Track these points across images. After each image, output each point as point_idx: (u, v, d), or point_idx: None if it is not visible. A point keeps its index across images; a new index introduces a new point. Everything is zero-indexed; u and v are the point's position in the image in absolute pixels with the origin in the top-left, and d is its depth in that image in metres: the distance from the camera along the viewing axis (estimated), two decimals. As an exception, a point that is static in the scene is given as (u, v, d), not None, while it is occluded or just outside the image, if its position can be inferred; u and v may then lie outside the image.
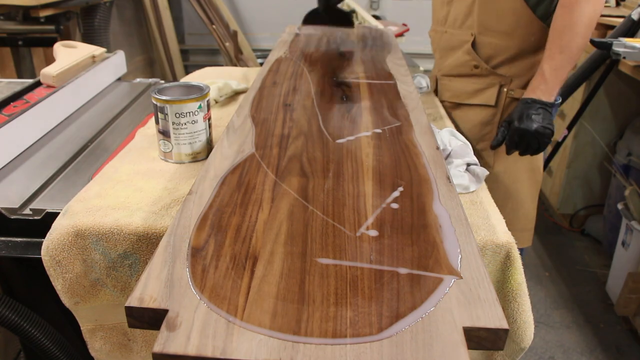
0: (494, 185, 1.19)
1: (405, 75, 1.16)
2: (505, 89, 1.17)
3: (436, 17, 1.28)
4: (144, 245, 0.69)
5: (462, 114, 1.25)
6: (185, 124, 0.82)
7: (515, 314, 0.71)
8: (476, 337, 0.45)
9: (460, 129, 1.20)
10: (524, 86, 1.15)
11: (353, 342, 0.43)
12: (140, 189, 0.77)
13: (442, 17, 1.24)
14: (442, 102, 1.29)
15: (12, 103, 1.08)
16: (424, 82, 1.31)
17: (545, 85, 1.06)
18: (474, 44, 1.17)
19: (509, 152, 1.11)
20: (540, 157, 1.23)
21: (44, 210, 0.76)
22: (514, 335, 0.72)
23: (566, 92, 1.98)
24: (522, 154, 1.10)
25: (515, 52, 1.14)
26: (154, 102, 0.82)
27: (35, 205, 0.78)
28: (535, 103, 1.06)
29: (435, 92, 1.33)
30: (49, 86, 1.15)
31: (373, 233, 0.57)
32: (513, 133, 1.07)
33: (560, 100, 1.17)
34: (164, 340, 0.42)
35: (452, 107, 1.28)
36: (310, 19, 1.56)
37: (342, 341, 0.43)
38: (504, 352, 0.76)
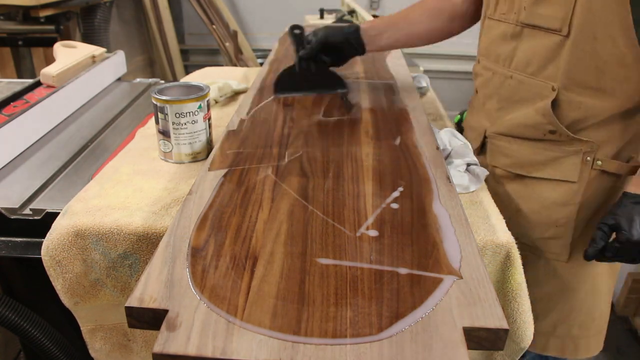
0: (570, 289, 0.92)
1: (405, 75, 1.16)
2: (590, 159, 0.83)
3: (492, 52, 0.91)
4: (144, 245, 0.69)
5: (528, 191, 0.90)
6: (185, 124, 0.82)
7: (515, 313, 0.71)
8: (476, 337, 0.45)
9: (520, 210, 0.91)
10: (616, 155, 0.84)
11: (353, 342, 0.43)
12: (140, 189, 0.77)
13: (504, 54, 0.88)
14: (493, 168, 0.94)
15: (12, 103, 1.07)
16: (424, 82, 1.30)
17: None
18: (554, 103, 0.82)
19: (601, 260, 0.80)
20: None
21: (44, 210, 0.76)
22: (514, 335, 0.72)
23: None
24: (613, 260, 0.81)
25: (612, 114, 0.81)
26: (154, 102, 0.82)
27: (35, 205, 0.78)
28: None
29: (480, 149, 0.97)
30: (49, 86, 1.15)
31: (373, 233, 0.57)
32: (626, 247, 0.76)
33: None
34: (164, 341, 0.42)
35: (510, 179, 0.92)
36: (287, 81, 1.03)
37: (342, 341, 0.43)
38: (504, 352, 0.76)
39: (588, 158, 0.84)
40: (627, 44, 0.74)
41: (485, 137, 0.95)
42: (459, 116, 1.43)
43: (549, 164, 0.87)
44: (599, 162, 0.84)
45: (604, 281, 0.94)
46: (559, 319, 0.93)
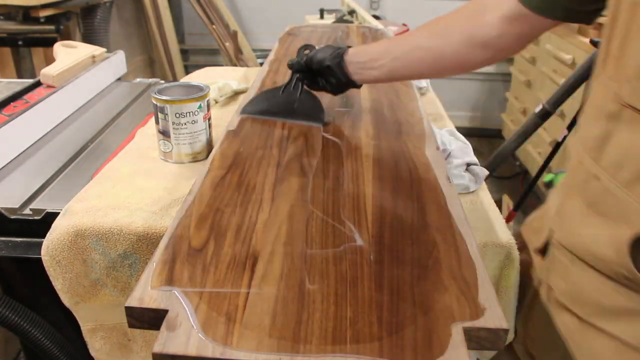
0: None
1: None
2: None
3: (584, 129, 0.64)
4: (144, 245, 0.69)
5: (583, 340, 0.62)
6: (185, 124, 0.82)
7: (504, 305, 0.71)
8: (476, 337, 0.45)
9: None
10: None
11: (353, 341, 0.43)
12: (140, 189, 0.76)
13: (593, 139, 0.60)
14: (549, 289, 0.67)
15: (12, 103, 1.07)
16: (424, 82, 1.30)
17: None
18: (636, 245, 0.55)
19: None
20: None
21: (44, 210, 0.76)
22: (512, 332, 0.72)
23: (566, 92, 1.98)
24: None
25: None
26: (154, 102, 0.82)
27: (35, 205, 0.78)
28: None
29: (543, 251, 0.70)
30: (49, 86, 1.15)
31: (373, 233, 0.57)
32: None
33: None
34: (164, 341, 0.42)
35: (564, 312, 0.64)
36: (263, 100, 0.91)
37: (342, 341, 0.43)
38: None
39: None
40: None
41: (547, 242, 0.69)
42: (552, 175, 1.11)
43: (621, 316, 0.58)
44: None
45: None
46: None
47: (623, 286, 0.57)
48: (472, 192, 0.80)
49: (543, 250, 0.70)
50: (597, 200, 0.59)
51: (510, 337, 0.73)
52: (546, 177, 0.95)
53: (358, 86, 0.84)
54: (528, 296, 0.71)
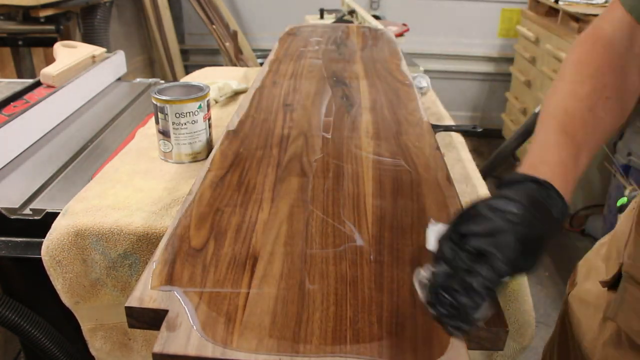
0: None
1: (405, 75, 1.16)
2: None
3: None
4: (144, 245, 0.69)
5: None
6: (185, 124, 0.82)
7: (517, 313, 0.71)
8: (476, 337, 0.45)
9: None
10: None
11: (353, 341, 0.43)
12: (140, 189, 0.76)
13: None
14: (623, 332, 0.62)
15: (12, 103, 1.07)
16: (425, 82, 1.30)
17: None
18: None
19: None
20: None
21: (44, 210, 0.76)
22: (515, 334, 0.72)
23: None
24: None
25: None
26: (154, 102, 0.82)
27: (35, 205, 0.78)
28: None
29: (613, 283, 0.65)
30: (49, 86, 1.15)
31: (373, 233, 0.57)
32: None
33: None
34: (164, 341, 0.42)
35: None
36: None
37: (342, 341, 0.43)
38: (504, 352, 0.76)
39: None
40: None
41: (619, 275, 0.63)
42: (625, 199, 0.93)
43: None
44: None
45: None
46: None
47: None
48: (472, 192, 0.80)
49: (612, 284, 0.63)
50: None
51: (532, 337, 0.69)
52: (619, 200, 0.90)
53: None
54: (587, 334, 0.64)
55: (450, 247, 0.41)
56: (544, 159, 0.50)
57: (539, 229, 0.42)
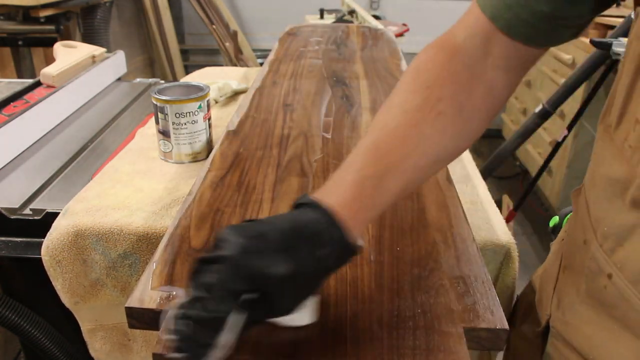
0: None
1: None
2: None
3: (594, 219, 0.48)
4: (144, 245, 0.69)
5: None
6: (185, 124, 0.82)
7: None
8: (476, 337, 0.45)
9: None
10: None
11: (353, 342, 0.43)
12: (140, 189, 0.76)
13: (612, 236, 0.45)
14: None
15: (12, 103, 1.07)
16: None
17: None
18: None
19: None
20: None
21: (44, 210, 0.76)
22: None
23: (566, 92, 1.98)
24: None
25: None
26: (154, 102, 0.82)
27: (35, 205, 0.78)
28: None
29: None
30: (49, 86, 1.15)
31: (373, 233, 0.57)
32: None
33: None
34: (164, 341, 0.42)
35: None
36: None
37: (342, 341, 0.43)
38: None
39: None
40: None
41: (547, 326, 0.56)
42: (557, 219, 0.89)
43: None
44: None
45: None
46: None
47: None
48: (472, 192, 0.79)
49: (541, 334, 0.57)
50: (611, 304, 0.44)
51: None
52: (551, 220, 0.72)
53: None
54: None
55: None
56: (339, 182, 0.42)
57: (268, 260, 0.36)
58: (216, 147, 0.78)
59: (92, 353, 0.78)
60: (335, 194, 0.41)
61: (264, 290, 0.36)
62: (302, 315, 0.43)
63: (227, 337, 0.35)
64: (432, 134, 0.46)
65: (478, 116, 0.48)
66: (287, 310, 0.39)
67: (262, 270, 0.36)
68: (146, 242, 0.69)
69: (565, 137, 1.95)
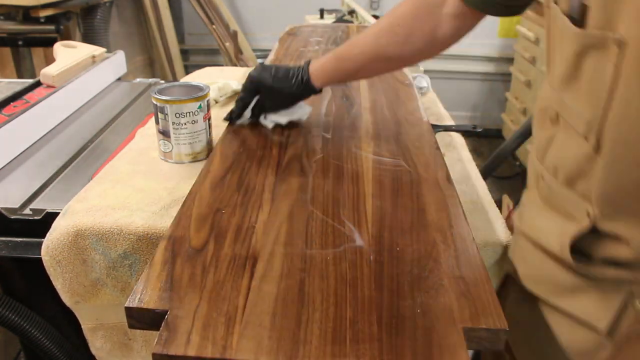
0: None
1: (405, 75, 1.16)
2: (628, 301, 0.56)
3: (533, 136, 0.66)
4: (144, 245, 0.69)
5: (541, 324, 0.63)
6: (185, 124, 0.82)
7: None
8: (476, 337, 0.45)
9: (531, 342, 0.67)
10: None
11: (352, 342, 0.43)
12: (140, 189, 0.76)
13: (541, 140, 0.62)
14: (511, 276, 0.68)
15: (12, 103, 1.07)
16: (425, 82, 1.30)
17: None
18: (588, 235, 0.56)
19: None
20: None
21: (44, 210, 0.76)
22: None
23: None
24: None
25: None
26: (154, 102, 0.82)
27: (35, 205, 0.78)
28: None
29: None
30: (49, 86, 1.15)
31: (373, 233, 0.57)
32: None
33: None
34: (164, 341, 0.42)
35: (524, 296, 0.66)
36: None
37: (342, 341, 0.43)
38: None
39: (626, 300, 0.55)
40: None
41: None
42: None
43: (570, 293, 0.59)
44: None
45: None
46: None
47: (570, 269, 0.58)
48: (472, 192, 0.80)
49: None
50: (548, 195, 0.62)
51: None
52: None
53: (318, 91, 0.82)
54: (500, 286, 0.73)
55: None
56: (327, 54, 0.80)
57: (268, 81, 0.82)
58: (216, 147, 0.78)
59: (93, 351, 0.78)
60: (319, 59, 0.81)
61: (261, 92, 0.84)
62: (293, 114, 0.86)
63: (247, 111, 0.86)
64: (385, 42, 0.74)
65: (420, 41, 0.73)
66: (273, 108, 0.86)
67: (260, 81, 0.82)
68: (146, 242, 0.69)
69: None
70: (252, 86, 0.83)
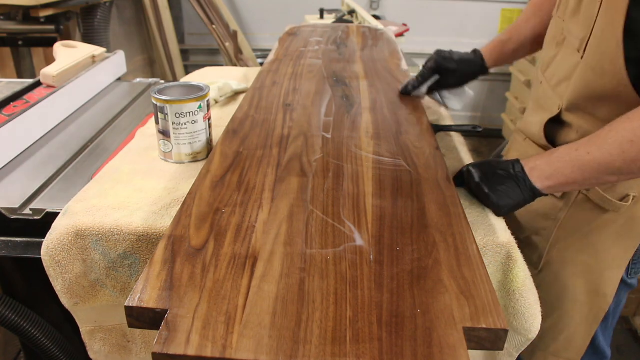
0: (544, 288, 0.83)
1: (405, 75, 1.16)
2: None
3: (543, 52, 0.91)
4: (144, 245, 0.69)
5: None
6: (185, 124, 0.82)
7: (523, 308, 0.70)
8: (476, 337, 0.45)
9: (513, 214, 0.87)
10: (608, 188, 0.80)
11: (353, 342, 0.43)
12: (140, 189, 0.76)
13: (546, 58, 0.88)
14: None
15: (12, 103, 1.07)
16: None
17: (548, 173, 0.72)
18: (554, 121, 0.82)
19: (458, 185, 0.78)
20: (611, 283, 0.86)
21: (44, 210, 0.76)
22: (522, 328, 0.72)
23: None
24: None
25: None
26: (154, 102, 0.82)
27: (35, 205, 0.78)
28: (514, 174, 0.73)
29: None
30: (49, 86, 1.15)
31: (373, 233, 0.57)
32: (469, 182, 0.76)
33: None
34: (164, 341, 0.42)
35: None
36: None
37: (342, 341, 0.43)
38: (509, 345, 0.75)
39: None
40: (622, 80, 0.70)
41: (513, 135, 1.02)
42: None
43: None
44: (587, 190, 0.80)
45: (577, 308, 0.88)
46: None
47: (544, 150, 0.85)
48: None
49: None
50: (539, 97, 0.89)
51: (537, 329, 0.71)
52: None
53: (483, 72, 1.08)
54: None
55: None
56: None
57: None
58: (216, 147, 0.78)
59: (91, 355, 0.78)
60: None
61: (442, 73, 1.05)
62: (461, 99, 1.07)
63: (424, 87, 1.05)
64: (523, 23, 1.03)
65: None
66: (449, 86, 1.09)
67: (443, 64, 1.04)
68: (146, 242, 0.69)
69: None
70: (435, 65, 1.02)
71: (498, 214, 0.73)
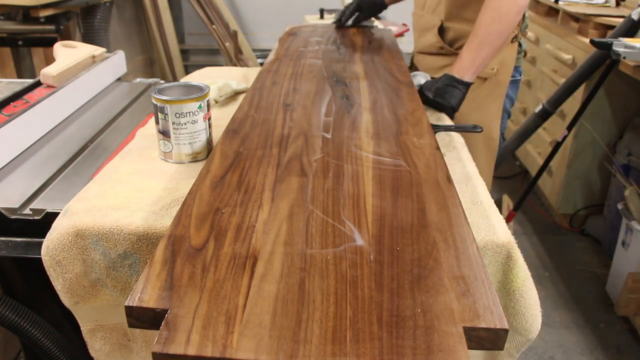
0: None
1: (405, 74, 1.16)
2: None
3: (417, 1, 1.47)
4: (144, 245, 0.69)
5: None
6: (185, 124, 0.82)
7: (523, 308, 0.70)
8: (476, 337, 0.45)
9: None
10: None
11: (353, 341, 0.43)
12: (140, 189, 0.76)
13: (421, 2, 1.41)
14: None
15: (12, 103, 1.07)
16: (424, 80, 1.30)
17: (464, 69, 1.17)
18: (441, 28, 1.32)
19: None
20: (496, 129, 1.37)
21: (44, 210, 0.76)
22: (522, 328, 0.72)
23: (566, 92, 1.98)
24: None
25: None
26: (154, 102, 0.82)
27: (35, 205, 0.78)
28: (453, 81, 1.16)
29: (411, 66, 1.54)
30: (49, 86, 1.15)
31: (373, 233, 0.57)
32: (427, 101, 1.16)
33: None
34: (164, 340, 0.42)
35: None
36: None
37: (342, 341, 0.43)
38: (509, 345, 0.75)
39: None
40: None
41: (413, 56, 1.53)
42: None
43: (442, 69, 1.29)
44: None
45: (481, 155, 1.34)
46: None
47: (441, 55, 1.35)
48: (472, 192, 0.80)
49: (411, 62, 1.56)
50: (423, 25, 1.41)
51: (537, 329, 0.72)
52: None
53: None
54: None
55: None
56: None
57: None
58: (216, 147, 0.78)
59: (92, 353, 0.78)
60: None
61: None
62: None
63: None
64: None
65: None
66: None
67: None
68: (146, 242, 0.69)
69: (565, 137, 1.95)
70: (356, 4, 1.58)
71: (454, 110, 1.13)
